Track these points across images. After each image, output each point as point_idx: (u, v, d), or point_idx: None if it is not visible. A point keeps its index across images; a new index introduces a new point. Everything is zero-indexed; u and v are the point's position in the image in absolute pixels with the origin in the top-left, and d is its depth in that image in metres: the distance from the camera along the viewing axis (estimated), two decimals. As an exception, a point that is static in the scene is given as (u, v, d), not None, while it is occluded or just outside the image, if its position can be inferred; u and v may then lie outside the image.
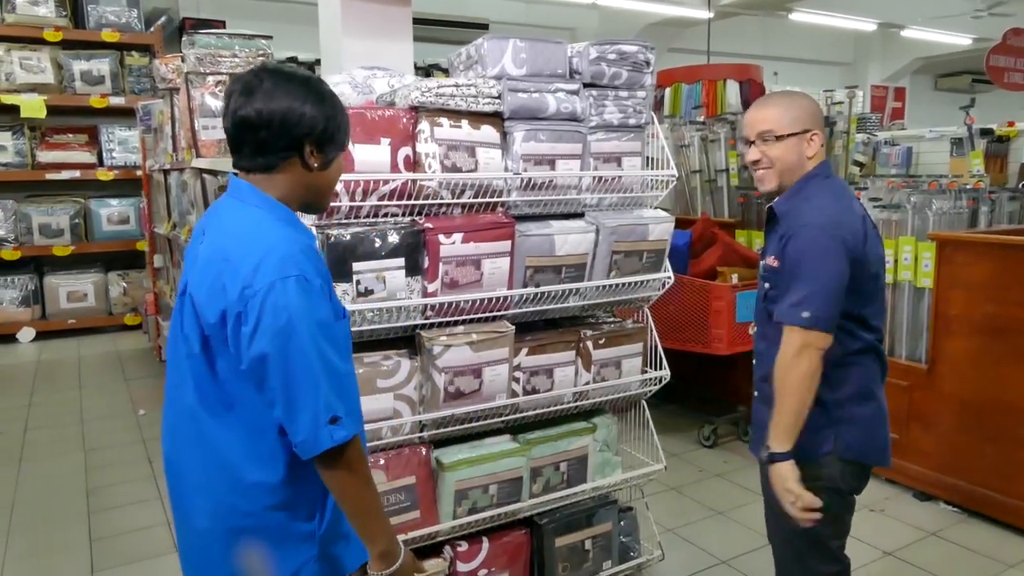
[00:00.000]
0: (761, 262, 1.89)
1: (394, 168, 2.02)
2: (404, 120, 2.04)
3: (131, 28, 6.30)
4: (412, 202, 2.04)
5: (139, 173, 5.76)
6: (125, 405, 4.48)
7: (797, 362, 1.67)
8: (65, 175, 6.29)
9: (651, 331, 2.54)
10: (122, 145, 6.26)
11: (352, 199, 1.96)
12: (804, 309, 1.67)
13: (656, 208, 2.50)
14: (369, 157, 1.97)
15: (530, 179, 2.17)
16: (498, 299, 2.15)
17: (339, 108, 1.37)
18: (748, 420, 3.91)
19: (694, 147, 4.25)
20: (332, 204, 1.94)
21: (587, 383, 2.40)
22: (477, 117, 2.12)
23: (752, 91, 7.08)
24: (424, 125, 2.04)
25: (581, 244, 2.26)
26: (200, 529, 1.35)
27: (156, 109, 4.66)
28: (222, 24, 6.50)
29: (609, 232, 2.29)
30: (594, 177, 2.32)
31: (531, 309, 2.25)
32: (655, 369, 2.53)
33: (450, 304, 2.08)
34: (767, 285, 1.84)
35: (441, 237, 2.03)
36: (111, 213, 6.25)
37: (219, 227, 1.34)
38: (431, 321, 2.09)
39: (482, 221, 2.10)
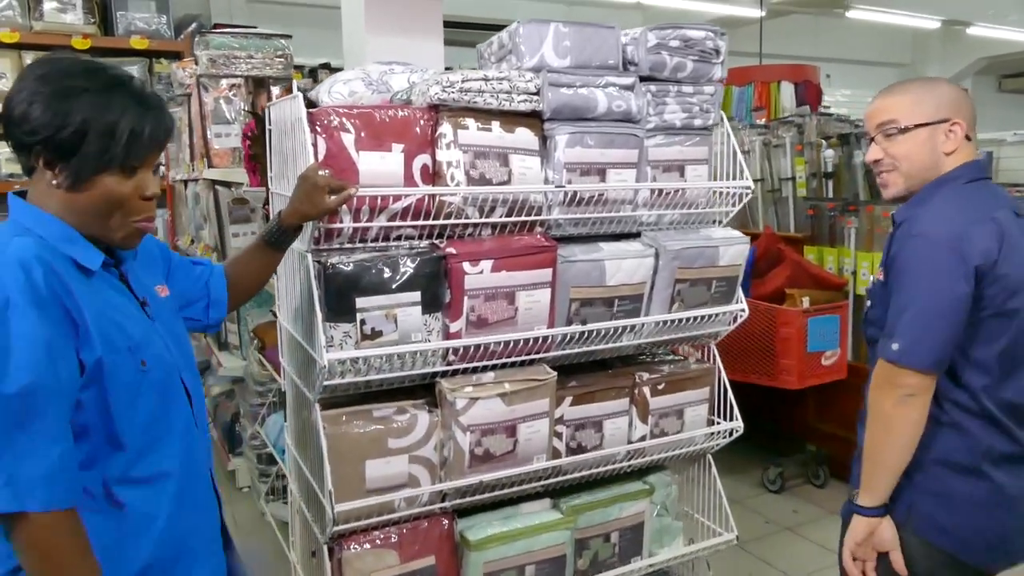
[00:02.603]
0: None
1: (408, 181, 1.62)
2: (422, 121, 1.64)
3: (160, 35, 6.05)
4: (431, 222, 1.64)
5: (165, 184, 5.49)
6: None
7: (879, 402, 1.39)
8: (94, 186, 6.00)
9: (719, 373, 2.10)
10: (151, 155, 6.02)
11: (356, 219, 1.57)
12: (895, 339, 1.37)
13: (725, 226, 2.07)
14: (377, 167, 1.58)
15: (575, 193, 1.76)
16: (536, 340, 1.74)
17: (90, 111, 1.08)
18: (819, 461, 3.42)
19: (755, 153, 3.79)
20: (332, 226, 1.55)
21: (643, 437, 1.97)
22: (511, 118, 1.72)
23: (808, 93, 6.57)
24: (446, 127, 1.64)
25: (637, 271, 1.84)
26: None
27: (177, 116, 4.37)
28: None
29: (671, 256, 1.86)
30: (652, 190, 1.89)
31: (576, 350, 1.83)
32: (725, 419, 2.09)
33: (477, 347, 1.67)
34: (868, 303, 1.55)
35: (466, 265, 1.62)
36: (139, 225, 6.00)
37: None
38: (454, 368, 1.69)
39: (517, 245, 1.69)
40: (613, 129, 1.81)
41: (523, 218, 1.73)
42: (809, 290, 3.24)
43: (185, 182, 4.30)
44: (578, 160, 1.77)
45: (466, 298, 1.64)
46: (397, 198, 1.59)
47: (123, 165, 1.11)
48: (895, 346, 1.36)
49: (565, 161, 1.75)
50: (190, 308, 1.41)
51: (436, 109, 1.66)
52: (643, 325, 1.88)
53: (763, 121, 4.51)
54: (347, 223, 1.56)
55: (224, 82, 3.21)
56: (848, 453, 1.60)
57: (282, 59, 3.33)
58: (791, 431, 3.53)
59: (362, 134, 1.56)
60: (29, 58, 5.83)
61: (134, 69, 5.90)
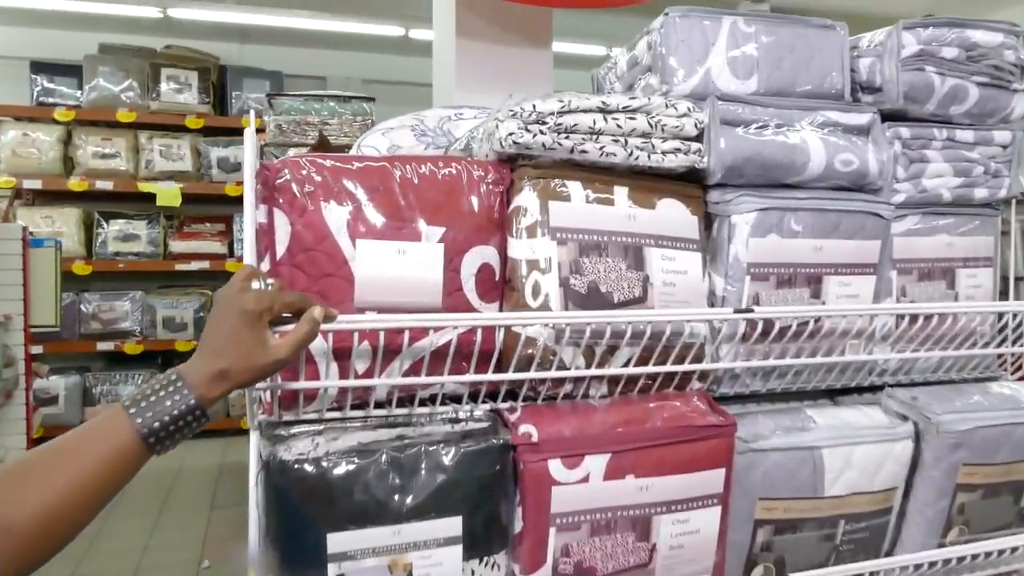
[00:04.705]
0: None
1: (452, 296, 0.83)
2: (483, 186, 0.86)
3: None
4: (488, 376, 0.83)
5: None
6: (194, 548, 3.52)
7: None
8: (195, 266, 5.75)
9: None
10: (252, 235, 5.69)
11: (344, 370, 0.79)
12: None
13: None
14: (390, 270, 0.80)
15: (768, 322, 0.90)
16: (691, 607, 0.86)
17: None
18: None
19: (1014, 235, 2.68)
20: (293, 386, 0.77)
21: None
22: (649, 181, 0.91)
23: None
24: (528, 197, 0.85)
25: (883, 467, 0.94)
26: None
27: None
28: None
29: (952, 442, 0.95)
30: (900, 316, 1.01)
31: (764, 616, 0.94)
32: None
33: (573, 625, 0.82)
34: None
35: (556, 466, 0.79)
36: (236, 307, 5.62)
37: None
38: (528, 657, 0.84)
39: (659, 422, 0.85)
40: (835, 203, 0.96)
41: (668, 368, 0.88)
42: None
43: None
44: (773, 259, 0.93)
45: (554, 530, 0.80)
46: (424, 332, 0.79)
47: None
48: None
49: (749, 261, 0.92)
50: None
51: (510, 163, 0.88)
52: (890, 567, 0.97)
53: None
54: (326, 380, 0.78)
55: (292, 152, 2.63)
56: None
57: (363, 124, 2.72)
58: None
59: (363, 208, 0.79)
60: (144, 137, 5.70)
61: (243, 149, 5.66)
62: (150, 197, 5.43)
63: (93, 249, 5.42)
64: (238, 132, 5.70)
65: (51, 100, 5.25)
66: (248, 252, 0.72)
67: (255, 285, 0.67)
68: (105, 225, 5.68)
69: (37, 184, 5.18)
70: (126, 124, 5.75)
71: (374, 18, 5.34)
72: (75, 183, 5.18)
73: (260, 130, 3.72)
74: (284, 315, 0.67)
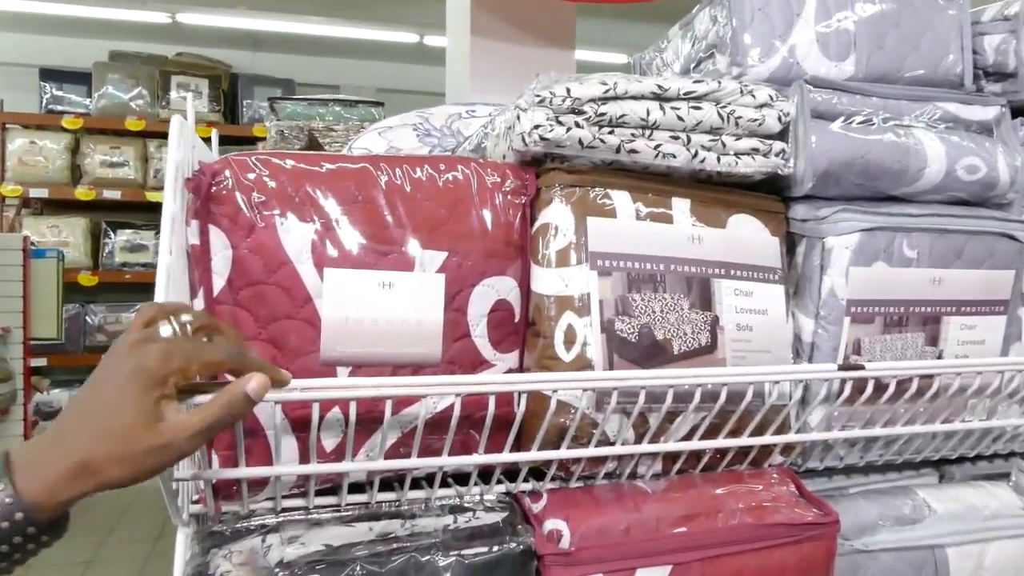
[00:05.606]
0: None
1: (457, 348, 0.61)
2: (500, 195, 0.63)
3: (284, 123, 5.62)
4: (504, 457, 0.60)
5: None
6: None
7: None
8: (203, 277, 5.52)
9: None
10: (263, 246, 5.53)
11: (303, 451, 0.57)
12: None
13: None
14: (369, 311, 0.58)
15: (876, 381, 0.67)
16: None
17: None
18: None
19: None
20: (236, 474, 0.55)
21: None
22: (716, 192, 0.68)
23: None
24: (559, 211, 0.63)
25: (1023, 571, 0.70)
26: None
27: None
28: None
29: (1115, 537, 0.72)
30: (1038, 361, 0.77)
31: None
32: None
33: None
34: None
35: (596, 583, 0.57)
36: (246, 319, 5.44)
37: None
38: None
39: (735, 520, 0.62)
40: (960, 222, 0.73)
41: (747, 441, 0.65)
42: None
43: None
44: (880, 295, 0.69)
45: (593, 673, 0.57)
46: (409, 399, 0.57)
47: None
48: None
49: (849, 297, 0.68)
50: None
51: (536, 167, 0.66)
52: None
53: None
54: (279, 464, 0.56)
55: (294, 160, 2.42)
56: None
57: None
58: None
59: (334, 225, 0.57)
60: (153, 146, 5.56)
61: (253, 157, 5.52)
62: (158, 207, 5.27)
63: (100, 259, 5.26)
64: (249, 141, 5.54)
65: (60, 108, 5.11)
66: (161, 287, 0.49)
67: (164, 332, 0.44)
68: (112, 235, 5.54)
69: (44, 193, 5.01)
70: (135, 132, 5.61)
71: (388, 24, 5.16)
72: (82, 192, 5.03)
73: (262, 138, 3.55)
74: (189, 383, 0.44)
